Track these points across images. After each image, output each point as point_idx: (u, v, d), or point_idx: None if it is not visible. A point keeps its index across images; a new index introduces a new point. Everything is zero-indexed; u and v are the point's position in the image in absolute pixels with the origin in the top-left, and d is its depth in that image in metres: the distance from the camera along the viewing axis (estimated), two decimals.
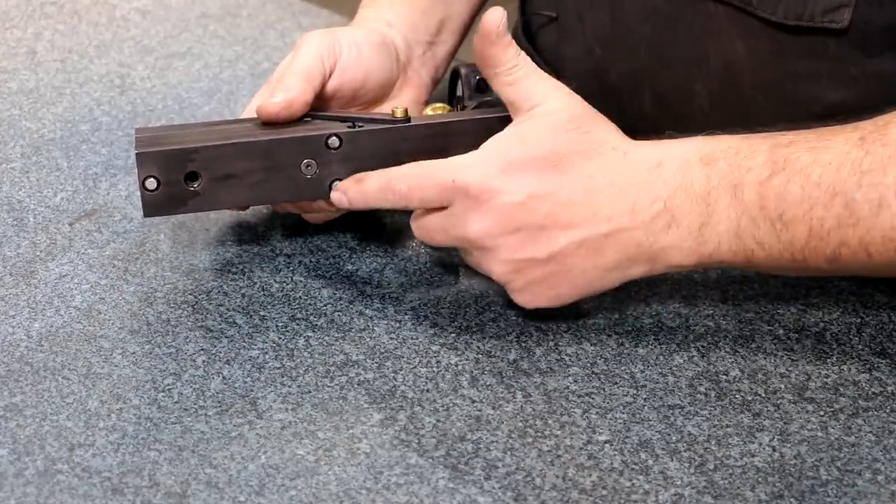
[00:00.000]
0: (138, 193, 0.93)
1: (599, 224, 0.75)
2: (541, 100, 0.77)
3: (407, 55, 0.93)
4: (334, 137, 0.80)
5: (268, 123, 0.82)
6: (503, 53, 0.78)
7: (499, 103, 0.86)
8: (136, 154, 0.78)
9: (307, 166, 0.81)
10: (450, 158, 0.77)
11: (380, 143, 0.80)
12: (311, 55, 0.85)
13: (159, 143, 0.79)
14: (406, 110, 0.82)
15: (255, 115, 0.86)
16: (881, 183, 0.70)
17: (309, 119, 0.83)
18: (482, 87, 0.87)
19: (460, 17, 0.98)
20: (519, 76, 0.78)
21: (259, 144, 0.80)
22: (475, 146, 0.77)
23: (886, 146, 0.71)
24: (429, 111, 0.89)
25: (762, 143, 0.74)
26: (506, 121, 0.81)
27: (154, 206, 0.80)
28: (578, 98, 0.78)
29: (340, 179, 0.81)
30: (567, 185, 0.75)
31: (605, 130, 0.77)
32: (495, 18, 0.77)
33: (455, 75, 0.91)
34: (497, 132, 0.79)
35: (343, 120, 0.82)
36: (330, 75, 0.86)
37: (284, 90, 0.82)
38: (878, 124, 0.72)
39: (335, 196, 0.81)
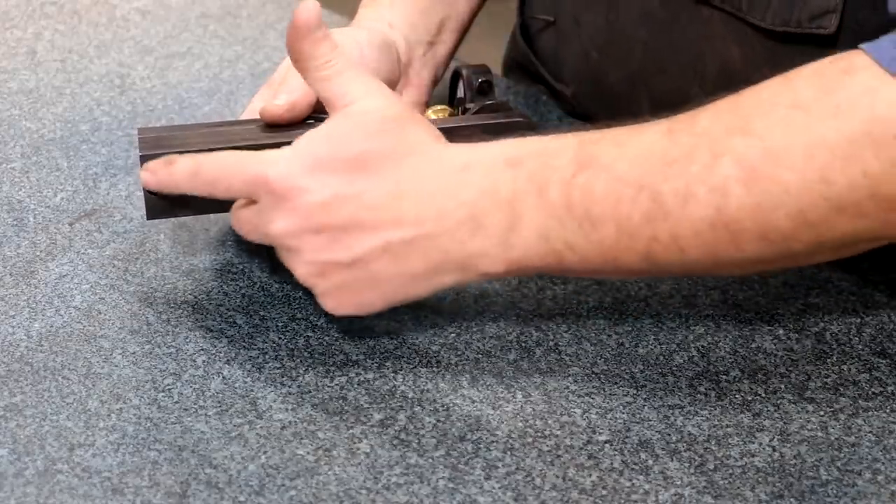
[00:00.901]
0: (138, 193, 0.93)
1: (404, 229, 0.72)
2: (354, 98, 0.74)
3: (408, 56, 0.93)
4: None
5: (271, 126, 0.82)
6: (314, 48, 0.75)
7: (501, 108, 0.85)
8: (141, 157, 0.78)
9: None
10: (263, 151, 0.75)
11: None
12: None
13: (163, 146, 0.79)
14: None
15: (257, 116, 0.86)
16: (686, 173, 0.68)
17: (312, 122, 0.83)
18: (484, 89, 0.87)
19: (460, 17, 0.98)
20: (331, 73, 0.75)
21: (262, 149, 0.80)
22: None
23: (692, 136, 0.68)
24: (430, 113, 0.89)
25: (571, 140, 0.72)
26: (510, 126, 0.81)
27: (156, 208, 0.80)
28: (394, 97, 0.76)
29: None
30: (373, 187, 0.72)
31: (417, 132, 0.74)
32: (306, 11, 0.75)
33: (456, 76, 0.91)
34: (502, 137, 0.78)
35: None
36: None
37: (288, 92, 0.81)
38: (689, 114, 0.70)
39: (143, 175, 0.78)
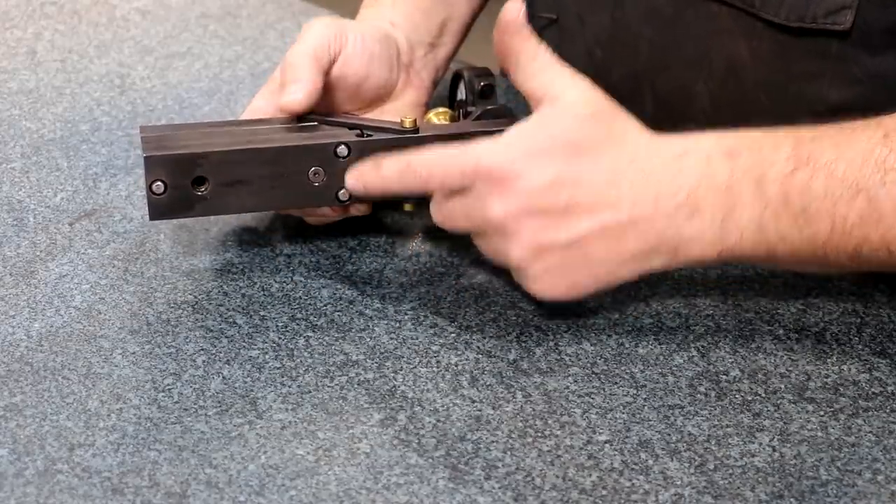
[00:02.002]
0: (138, 193, 0.93)
1: (622, 210, 0.74)
2: (562, 91, 0.76)
3: (409, 56, 0.93)
4: (343, 146, 0.80)
5: (276, 126, 0.82)
6: (524, 45, 0.77)
7: (504, 113, 0.85)
8: (145, 157, 0.78)
9: (315, 174, 0.80)
10: (471, 144, 0.76)
11: (388, 152, 0.80)
12: (318, 38, 0.85)
13: (167, 146, 0.79)
14: (415, 120, 0.82)
15: (258, 116, 0.86)
16: None
17: (317, 123, 0.83)
18: (486, 93, 0.87)
19: (461, 19, 0.98)
20: (539, 67, 0.77)
21: (268, 151, 0.80)
22: None
23: None
24: (432, 116, 0.89)
25: (786, 138, 0.74)
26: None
27: (160, 209, 0.79)
28: (599, 91, 0.77)
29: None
30: (591, 170, 0.74)
31: (627, 121, 0.76)
32: (514, 10, 0.77)
33: (457, 78, 0.91)
34: None
35: (352, 127, 0.82)
36: (334, 62, 0.86)
37: (296, 81, 0.82)
38: None
39: (350, 181, 0.80)
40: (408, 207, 0.88)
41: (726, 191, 0.73)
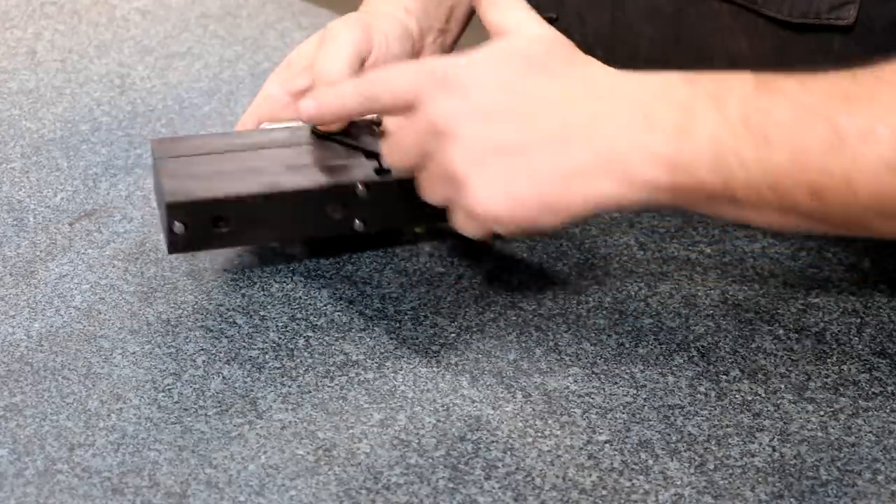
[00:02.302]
0: (138, 193, 0.93)
1: (572, 116, 0.70)
2: (526, 26, 0.74)
3: (420, 43, 0.93)
4: (362, 187, 0.80)
5: (294, 150, 0.82)
6: None
7: None
8: (167, 204, 0.77)
9: (334, 210, 0.81)
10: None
11: (407, 187, 0.77)
12: (349, 46, 0.85)
13: (187, 184, 0.79)
14: None
15: (273, 101, 0.87)
16: (870, 112, 0.66)
17: (334, 144, 0.83)
18: None
19: (465, 6, 0.98)
20: (508, 4, 0.75)
21: (289, 194, 0.80)
22: None
23: (877, 80, 0.67)
24: None
25: (747, 73, 0.70)
26: None
27: (179, 245, 0.79)
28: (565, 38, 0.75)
29: (366, 220, 0.81)
30: (546, 82, 0.71)
31: (589, 57, 0.74)
32: None
33: None
34: None
35: (368, 155, 0.82)
36: (362, 66, 0.86)
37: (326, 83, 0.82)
38: (870, 68, 0.69)
39: (303, 105, 0.75)
40: (419, 230, 0.88)
41: (684, 106, 0.69)
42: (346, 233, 0.82)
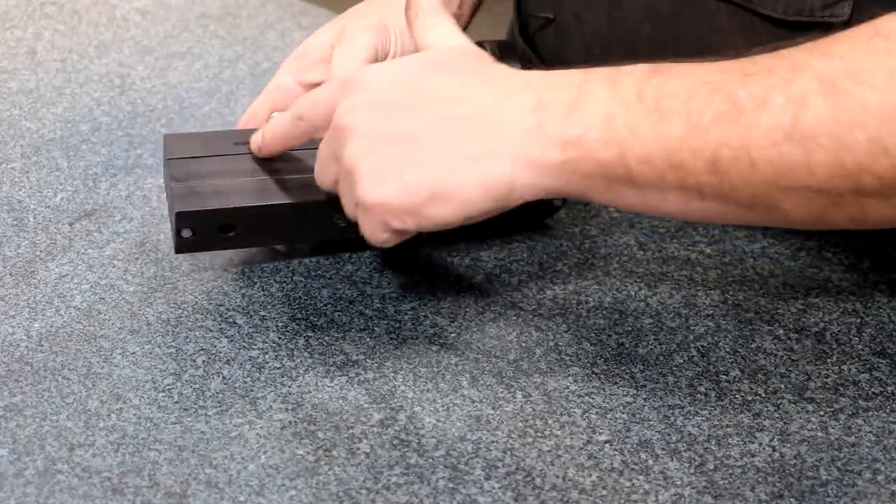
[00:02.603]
0: (138, 193, 0.93)
1: (465, 106, 0.70)
2: (449, 41, 0.75)
3: None
4: None
5: (304, 154, 0.82)
6: (429, 3, 0.77)
7: None
8: (177, 213, 0.77)
9: (339, 219, 0.81)
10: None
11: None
12: (367, 49, 0.86)
13: (196, 192, 0.79)
14: None
15: (283, 91, 0.87)
16: (765, 82, 0.66)
17: None
18: None
19: None
20: (435, 24, 0.76)
21: (297, 206, 0.80)
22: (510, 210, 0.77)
23: (774, 58, 0.67)
24: None
25: (644, 65, 0.70)
26: None
27: (186, 248, 0.80)
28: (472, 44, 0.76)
29: None
30: (444, 78, 0.72)
31: (490, 63, 0.74)
32: None
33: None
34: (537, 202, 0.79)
35: None
36: None
37: None
38: (766, 49, 0.69)
39: (252, 140, 0.80)
40: (423, 235, 0.88)
41: (576, 88, 0.68)
42: (352, 236, 0.82)
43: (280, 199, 0.80)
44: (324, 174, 0.76)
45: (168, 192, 0.82)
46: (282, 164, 0.82)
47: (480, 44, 0.92)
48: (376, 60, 0.86)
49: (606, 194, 0.70)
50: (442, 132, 0.69)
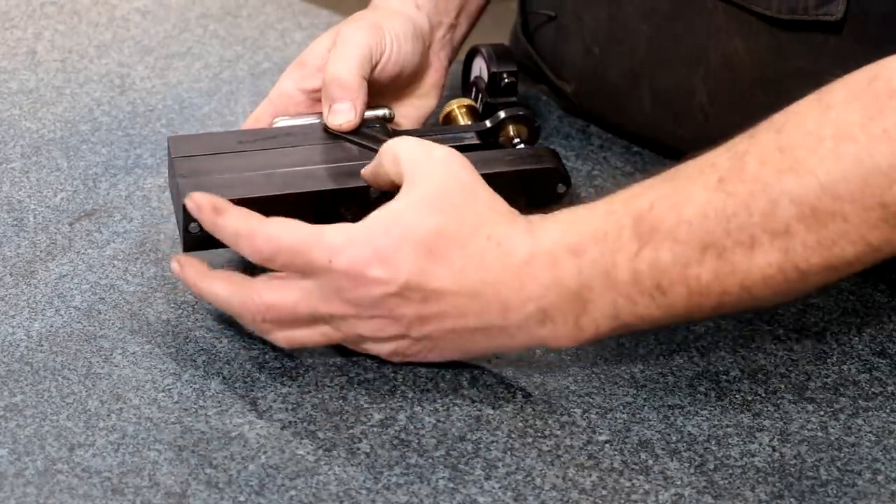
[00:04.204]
0: (138, 193, 0.93)
1: (469, 320, 0.73)
2: (418, 176, 0.74)
3: (430, 38, 0.93)
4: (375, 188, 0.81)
5: (308, 147, 0.82)
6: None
7: (532, 121, 0.87)
8: (184, 206, 0.77)
9: (347, 211, 0.81)
10: (322, 232, 0.73)
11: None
12: (362, 49, 0.86)
13: (202, 181, 0.79)
14: None
15: (285, 97, 0.87)
16: (748, 224, 0.69)
17: (347, 143, 0.83)
18: (511, 88, 0.88)
19: (476, 1, 0.98)
20: (403, 147, 0.76)
21: (303, 196, 0.80)
22: (515, 194, 0.77)
23: (745, 182, 0.69)
24: (454, 108, 0.89)
25: (624, 216, 0.71)
26: (548, 173, 0.83)
27: (194, 243, 0.79)
28: (456, 166, 0.75)
29: None
30: (439, 275, 0.72)
31: (481, 211, 0.74)
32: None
33: (472, 55, 0.92)
34: (541, 184, 0.81)
35: None
36: (374, 69, 0.86)
37: (344, 100, 0.84)
38: (735, 158, 0.70)
39: (189, 205, 0.76)
40: None
41: (576, 294, 0.71)
42: None
43: (288, 189, 0.80)
44: (285, 310, 0.75)
45: (174, 190, 0.81)
46: (288, 158, 0.82)
47: (476, 48, 0.92)
48: (371, 59, 0.86)
49: None
50: (455, 339, 0.74)
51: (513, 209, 0.75)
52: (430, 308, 0.72)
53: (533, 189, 0.83)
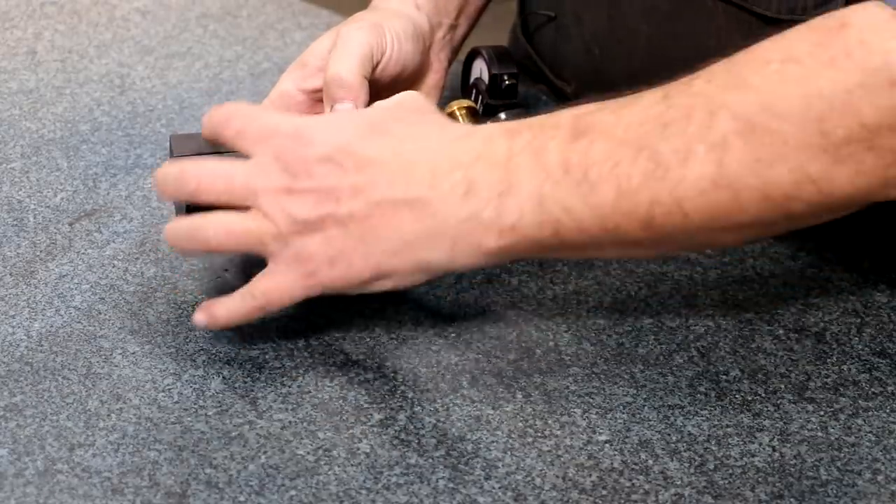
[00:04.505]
0: (138, 193, 0.93)
1: (396, 189, 0.71)
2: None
3: (430, 38, 0.93)
4: None
5: None
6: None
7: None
8: (187, 206, 0.77)
9: None
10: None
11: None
12: (362, 48, 0.86)
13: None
14: None
15: (285, 98, 0.87)
16: (685, 132, 0.67)
17: None
18: (511, 90, 0.88)
19: (476, 2, 0.98)
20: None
21: None
22: None
23: (688, 97, 0.69)
24: (455, 108, 0.89)
25: (566, 112, 0.71)
26: None
27: None
28: (416, 93, 0.78)
29: None
30: (377, 145, 0.72)
31: (432, 110, 0.76)
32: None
33: (472, 56, 0.92)
34: None
35: None
36: (375, 68, 0.87)
37: (347, 100, 0.84)
38: (684, 80, 0.70)
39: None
40: None
41: (504, 166, 0.70)
42: None
43: None
44: (214, 192, 0.74)
45: None
46: None
47: (476, 50, 0.92)
48: (372, 59, 0.86)
49: (545, 257, 0.78)
50: (381, 216, 0.72)
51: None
52: (362, 177, 0.72)
53: None
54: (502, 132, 0.72)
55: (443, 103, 0.93)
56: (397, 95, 0.77)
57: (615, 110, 0.70)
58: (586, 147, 0.69)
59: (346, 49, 0.86)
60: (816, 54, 0.67)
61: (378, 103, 0.77)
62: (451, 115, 0.90)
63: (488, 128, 0.73)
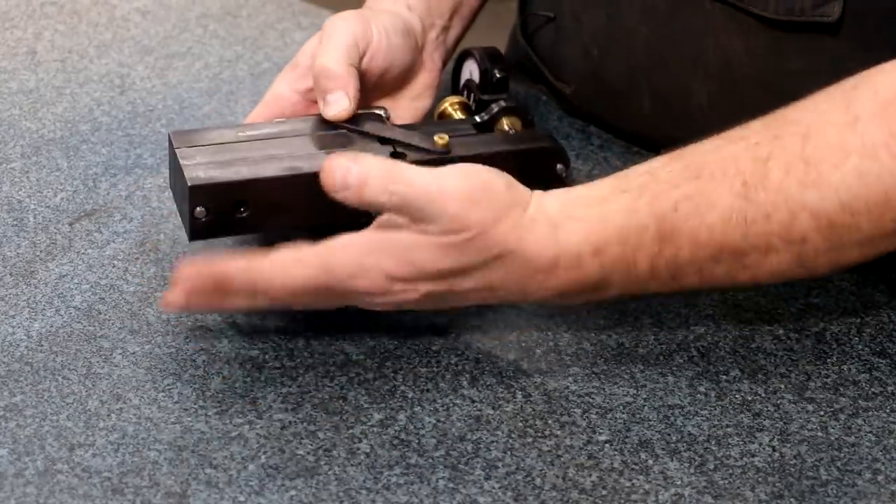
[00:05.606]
0: (139, 193, 0.93)
1: (489, 298, 0.76)
2: (429, 211, 0.73)
3: (422, 39, 0.93)
4: None
5: (309, 136, 0.82)
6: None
7: (525, 113, 0.87)
8: (189, 187, 0.77)
9: None
10: (328, 244, 0.74)
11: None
12: (347, 38, 0.85)
13: (206, 164, 0.79)
14: (448, 141, 0.82)
15: (281, 99, 0.87)
16: (767, 232, 0.72)
17: (347, 133, 0.83)
18: (502, 85, 0.88)
19: (471, 4, 0.98)
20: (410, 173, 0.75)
21: (308, 177, 0.80)
22: (514, 176, 0.76)
23: (768, 191, 0.71)
24: (447, 107, 0.89)
25: (648, 216, 0.72)
26: (539, 153, 0.83)
27: (200, 231, 0.79)
28: (464, 184, 0.73)
29: None
30: (463, 285, 0.74)
31: (495, 220, 0.72)
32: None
33: (463, 57, 0.92)
34: (539, 164, 0.82)
35: (383, 141, 0.82)
36: (361, 59, 0.86)
37: (337, 90, 0.83)
38: (759, 162, 0.72)
39: (170, 298, 0.76)
40: None
41: (595, 284, 0.74)
42: (362, 220, 0.82)
43: (292, 171, 0.79)
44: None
45: (175, 181, 0.81)
46: (291, 146, 0.82)
47: (467, 51, 0.92)
48: (357, 47, 0.85)
49: None
50: (470, 300, 0.76)
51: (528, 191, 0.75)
52: (454, 297, 0.75)
53: (532, 170, 0.83)
54: (590, 254, 0.73)
55: (435, 102, 0.93)
56: (452, 176, 0.74)
57: (696, 207, 0.72)
58: (673, 255, 0.73)
59: (331, 40, 0.85)
60: (892, 147, 0.70)
61: (421, 239, 0.73)
62: (445, 111, 0.90)
63: (573, 249, 0.73)
